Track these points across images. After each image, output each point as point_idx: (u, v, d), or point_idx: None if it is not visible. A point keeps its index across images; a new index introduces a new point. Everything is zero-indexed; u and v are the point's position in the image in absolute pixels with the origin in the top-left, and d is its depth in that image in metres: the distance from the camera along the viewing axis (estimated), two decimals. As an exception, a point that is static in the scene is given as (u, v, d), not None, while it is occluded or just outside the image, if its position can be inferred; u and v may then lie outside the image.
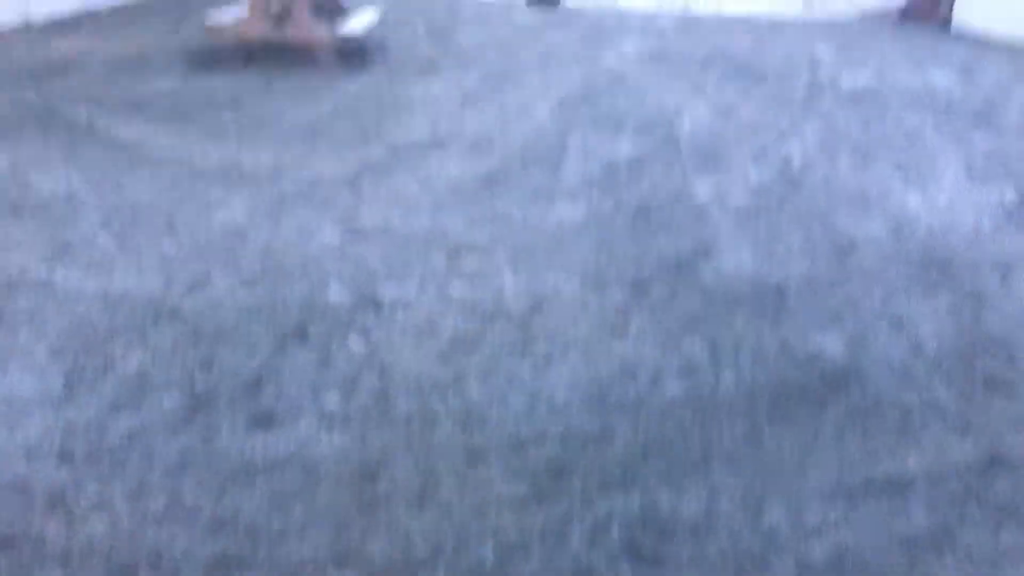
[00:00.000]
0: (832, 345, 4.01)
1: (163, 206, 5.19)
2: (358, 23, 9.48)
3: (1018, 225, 5.55)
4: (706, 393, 3.59)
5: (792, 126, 7.58)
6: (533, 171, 6.11)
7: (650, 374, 3.69)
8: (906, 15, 15.25)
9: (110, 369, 3.55)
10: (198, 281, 4.30)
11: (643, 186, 5.91)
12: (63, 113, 7.02)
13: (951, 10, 14.40)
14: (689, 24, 13.44)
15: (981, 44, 12.77)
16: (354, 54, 9.35)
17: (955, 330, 4.24)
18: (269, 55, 9.17)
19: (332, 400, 3.41)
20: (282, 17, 9.80)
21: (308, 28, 9.05)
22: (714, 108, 8.07)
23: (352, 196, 5.50)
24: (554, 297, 4.32)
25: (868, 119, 7.94)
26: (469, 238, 4.94)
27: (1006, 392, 3.74)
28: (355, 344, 3.80)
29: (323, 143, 6.57)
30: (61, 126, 6.69)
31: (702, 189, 5.90)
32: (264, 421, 3.27)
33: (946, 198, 5.95)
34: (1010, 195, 6.09)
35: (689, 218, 5.40)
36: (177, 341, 3.77)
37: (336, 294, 4.23)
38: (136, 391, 3.41)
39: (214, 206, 5.22)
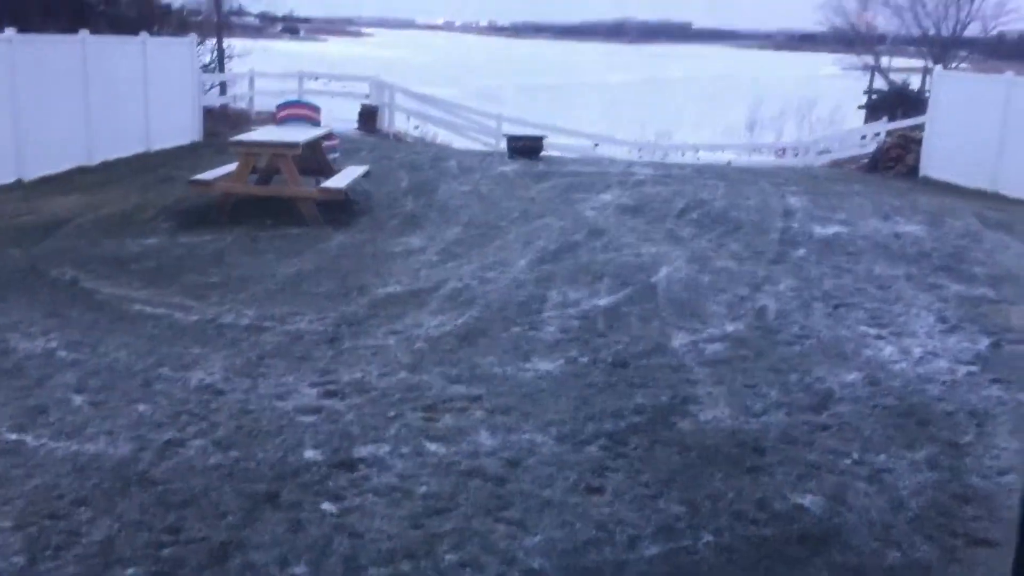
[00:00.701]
0: (812, 502, 3.97)
1: (141, 366, 5.20)
2: (343, 179, 9.75)
3: (992, 373, 5.60)
4: (685, 555, 3.52)
5: (767, 276, 7.73)
6: (511, 325, 6.17)
7: (628, 536, 3.63)
8: (874, 165, 15.84)
9: (75, 539, 3.46)
10: (171, 444, 4.27)
11: (621, 338, 5.96)
12: (48, 273, 7.11)
13: (917, 160, 14.97)
14: (666, 174, 13.89)
15: (947, 192, 13.22)
16: (339, 209, 9.58)
17: (935, 483, 4.22)
18: (255, 210, 9.39)
19: (300, 570, 3.32)
20: (269, 173, 10.09)
21: (294, 184, 9.31)
22: (690, 258, 8.24)
23: (331, 352, 5.52)
24: (530, 455, 4.29)
25: (841, 268, 8.11)
26: (446, 395, 4.94)
27: (989, 548, 3.69)
28: (327, 508, 3.74)
29: (304, 298, 6.64)
30: (45, 286, 6.76)
31: (679, 340, 5.96)
32: (230, 593, 3.17)
33: (920, 347, 6.03)
34: (983, 343, 6.17)
35: (666, 370, 5.43)
36: (146, 507, 3.70)
37: (310, 456, 4.19)
38: (100, 564, 3.32)
39: (192, 365, 5.22)
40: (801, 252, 8.69)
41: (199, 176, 9.57)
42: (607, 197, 11.41)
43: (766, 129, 27.71)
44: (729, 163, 18.63)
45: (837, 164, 17.48)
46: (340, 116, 17.46)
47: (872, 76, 26.21)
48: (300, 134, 9.96)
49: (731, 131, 30.71)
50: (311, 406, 4.73)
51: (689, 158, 20.04)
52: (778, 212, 10.75)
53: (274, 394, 4.87)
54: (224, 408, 4.67)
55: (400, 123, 19.63)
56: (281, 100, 13.12)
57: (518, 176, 12.99)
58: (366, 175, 10.65)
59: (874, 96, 24.05)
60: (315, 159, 10.21)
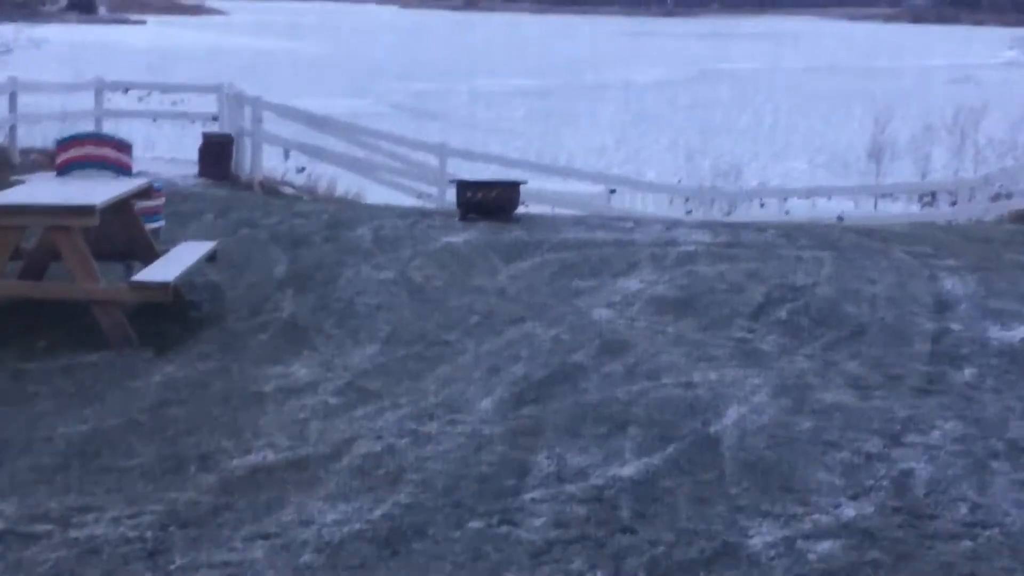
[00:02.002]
0: None
1: None
2: (172, 265, 9.76)
3: None
4: None
5: (911, 417, 7.79)
6: (469, 516, 6.14)
7: None
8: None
9: None
10: None
11: (661, 535, 5.95)
12: None
13: None
14: (733, 240, 14.13)
15: None
16: (166, 317, 9.58)
17: None
18: (18, 323, 9.35)
19: None
20: (42, 259, 10.05)
21: (85, 277, 9.29)
22: (778, 389, 8.30)
23: (151, 576, 5.47)
24: None
25: (1038, 398, 8.21)
26: (355, 647, 4.89)
27: None
28: None
29: (106, 479, 6.57)
30: None
31: (763, 536, 5.97)
32: None
33: None
34: None
35: (742, 592, 5.42)
36: None
37: None
38: None
39: (-97, 607, 5.15)
40: (968, 374, 8.78)
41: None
42: (633, 284, 11.53)
43: (901, 158, 28.19)
44: (840, 219, 18.88)
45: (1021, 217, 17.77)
46: (168, 155, 17.67)
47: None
48: (97, 190, 9.99)
49: (842, 162, 31.27)
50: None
51: (772, 211, 20.30)
52: (926, 304, 10.91)
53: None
54: None
55: (273, 163, 19.83)
56: (65, 132, 13.20)
57: (477, 251, 13.11)
58: (212, 257, 10.69)
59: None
60: (124, 232, 10.25)
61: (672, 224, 16.05)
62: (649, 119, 46.62)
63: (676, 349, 9.28)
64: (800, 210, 20.22)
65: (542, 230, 14.70)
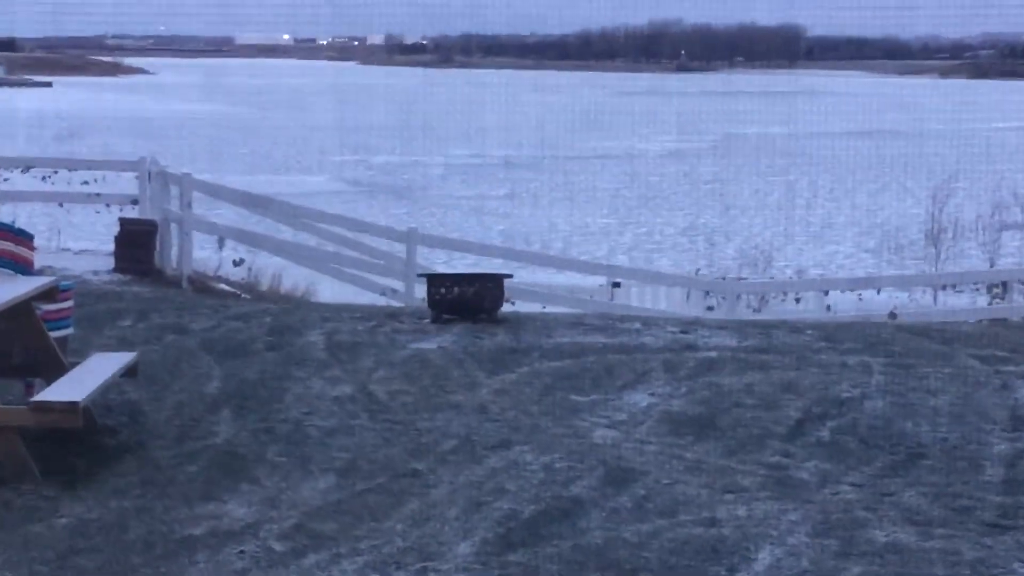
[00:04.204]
0: None
1: None
2: (82, 382, 9.66)
3: None
4: None
5: (983, 559, 7.68)
6: None
7: None
8: None
9: None
10: None
11: None
12: None
13: None
14: (763, 344, 14.13)
15: None
16: (73, 445, 9.51)
17: None
18: None
19: None
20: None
21: (-23, 398, 9.21)
22: (820, 525, 8.21)
23: None
24: None
25: None
26: None
27: None
28: None
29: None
30: None
31: None
32: None
33: None
34: None
35: None
36: None
37: None
38: None
39: None
40: (1058, 505, 8.75)
41: None
42: (642, 399, 11.51)
43: (966, 239, 28.28)
44: (893, 315, 18.85)
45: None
46: (78, 246, 17.56)
47: None
48: (-9, 291, 9.92)
49: (894, 246, 31.38)
50: None
51: (810, 307, 20.29)
52: (999, 420, 10.86)
53: None
54: None
55: (205, 254, 19.81)
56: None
57: (453, 360, 13.08)
58: (132, 371, 10.66)
59: None
60: (24, 342, 10.16)
61: (689, 324, 16.02)
62: (661, 196, 46.95)
63: (695, 478, 9.21)
64: (844, 305, 20.24)
65: (532, 333, 14.69)
